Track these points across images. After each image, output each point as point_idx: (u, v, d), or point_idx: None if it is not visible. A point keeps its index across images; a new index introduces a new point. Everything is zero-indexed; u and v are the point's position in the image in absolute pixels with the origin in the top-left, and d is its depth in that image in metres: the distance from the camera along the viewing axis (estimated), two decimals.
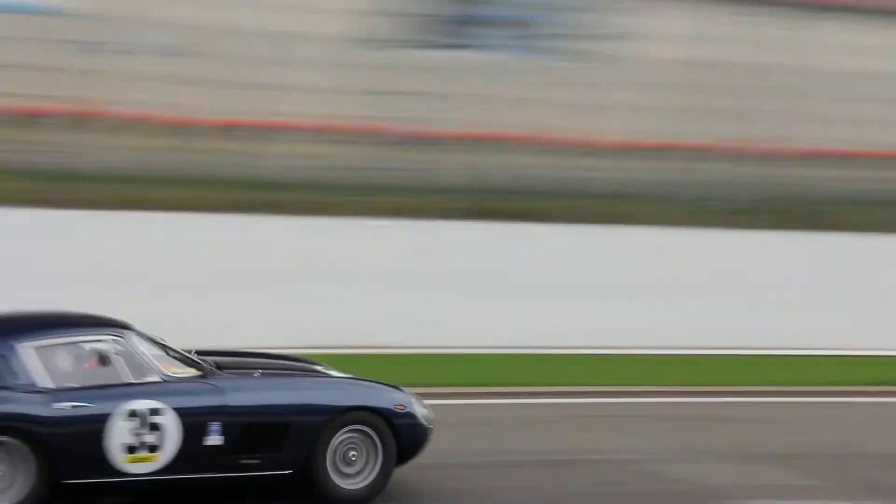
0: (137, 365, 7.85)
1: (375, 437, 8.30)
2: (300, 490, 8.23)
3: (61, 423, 7.53)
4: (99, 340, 7.87)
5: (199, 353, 8.46)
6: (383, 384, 8.56)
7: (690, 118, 26.69)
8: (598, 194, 25.42)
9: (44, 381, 7.61)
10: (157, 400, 7.74)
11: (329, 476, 8.19)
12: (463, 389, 12.65)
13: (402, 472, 8.61)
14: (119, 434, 7.65)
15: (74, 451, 7.56)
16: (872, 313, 18.82)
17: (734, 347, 15.95)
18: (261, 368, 8.62)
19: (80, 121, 23.07)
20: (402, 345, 14.49)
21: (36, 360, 7.64)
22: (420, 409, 8.52)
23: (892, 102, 27.63)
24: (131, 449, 7.69)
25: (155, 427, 7.72)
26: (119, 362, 7.81)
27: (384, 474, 8.33)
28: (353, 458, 8.27)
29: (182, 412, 7.79)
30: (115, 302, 9.92)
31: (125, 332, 7.95)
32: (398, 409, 8.39)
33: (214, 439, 7.90)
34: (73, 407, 7.57)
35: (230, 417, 7.92)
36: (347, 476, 8.26)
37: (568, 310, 17.43)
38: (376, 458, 8.33)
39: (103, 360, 7.79)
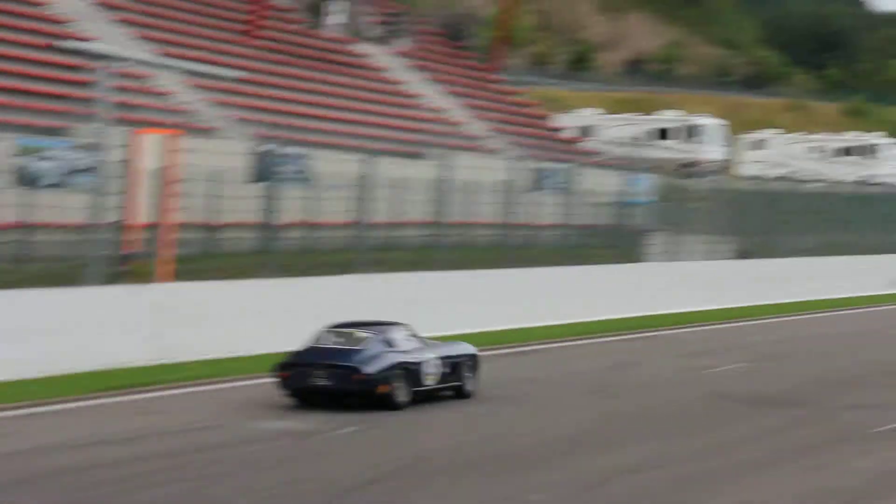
0: (419, 338, 17.18)
1: (475, 366, 17.75)
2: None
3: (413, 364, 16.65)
4: (405, 328, 17.16)
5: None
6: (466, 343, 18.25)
7: None
8: None
9: (406, 345, 16.77)
10: (432, 352, 17.00)
11: (467, 384, 17.45)
12: None
13: None
14: (426, 368, 16.75)
15: (413, 376, 16.58)
16: None
17: None
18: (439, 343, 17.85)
19: None
20: None
21: (402, 336, 16.89)
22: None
23: None
24: (427, 376, 16.76)
25: (434, 365, 16.87)
26: (415, 338, 17.09)
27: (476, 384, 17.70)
28: (470, 377, 17.61)
29: (440, 358, 17.02)
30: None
31: (409, 326, 17.29)
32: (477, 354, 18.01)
33: (446, 370, 17.07)
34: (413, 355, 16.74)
35: (447, 360, 17.14)
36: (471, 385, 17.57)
37: None
38: (476, 376, 17.69)
39: (411, 337, 17.08)
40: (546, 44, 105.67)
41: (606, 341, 24.32)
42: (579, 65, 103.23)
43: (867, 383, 20.15)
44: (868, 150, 74.51)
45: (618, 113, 75.01)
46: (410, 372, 16.53)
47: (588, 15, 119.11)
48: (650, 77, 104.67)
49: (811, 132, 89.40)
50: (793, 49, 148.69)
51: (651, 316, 27.64)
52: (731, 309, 30.01)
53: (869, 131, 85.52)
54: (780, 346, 24.46)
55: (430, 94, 42.61)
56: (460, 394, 17.38)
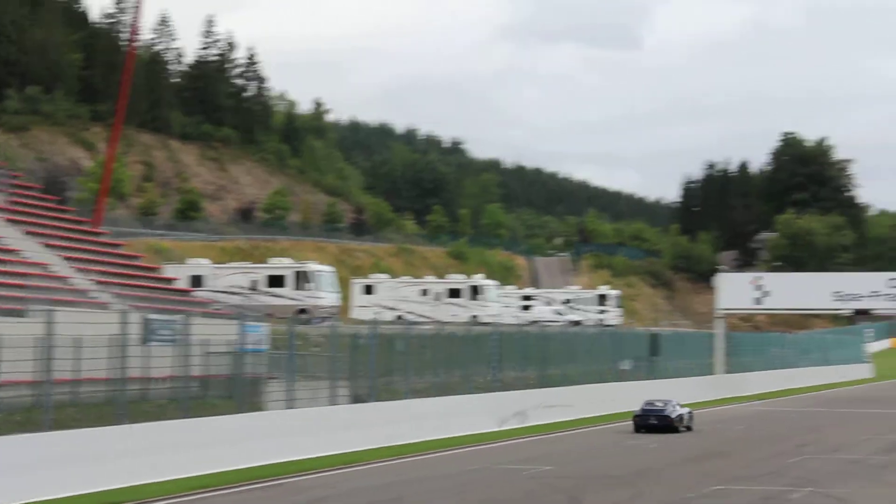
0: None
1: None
2: None
3: None
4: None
5: None
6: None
7: None
8: None
9: None
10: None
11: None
12: None
13: None
14: None
15: None
16: None
17: None
18: None
19: None
20: None
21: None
22: None
23: None
24: None
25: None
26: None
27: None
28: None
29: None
30: None
31: None
32: None
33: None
34: None
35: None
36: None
37: None
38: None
39: None
40: (152, 194, 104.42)
41: (223, 494, 23.59)
42: (186, 215, 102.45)
43: None
44: (472, 292, 77.35)
45: (228, 262, 74.72)
46: None
47: (193, 165, 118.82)
48: (259, 226, 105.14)
49: (419, 276, 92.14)
50: (397, 195, 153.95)
51: (271, 465, 27.21)
52: (351, 453, 30.00)
53: (471, 273, 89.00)
54: (395, 489, 24.45)
55: (30, 249, 40.92)
56: None
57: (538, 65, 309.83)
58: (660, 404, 39.71)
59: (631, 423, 39.16)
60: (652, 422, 38.90)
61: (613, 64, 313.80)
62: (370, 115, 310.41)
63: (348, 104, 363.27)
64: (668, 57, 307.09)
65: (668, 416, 39.01)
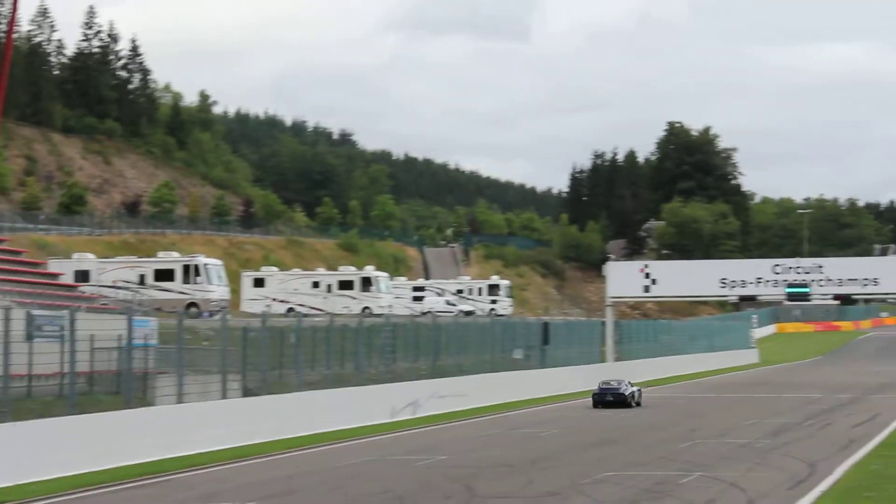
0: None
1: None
2: None
3: None
4: None
5: None
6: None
7: None
8: None
9: None
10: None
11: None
12: None
13: None
14: None
15: None
16: None
17: None
18: None
19: None
20: None
21: None
22: None
23: None
24: None
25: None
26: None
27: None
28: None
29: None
30: None
31: None
32: None
33: None
34: None
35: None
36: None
37: None
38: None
39: None
40: (34, 189, 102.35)
41: (112, 491, 23.16)
42: (71, 209, 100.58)
43: None
44: (364, 284, 77.15)
45: (115, 256, 73.57)
46: None
47: (76, 159, 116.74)
48: (146, 219, 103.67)
49: (309, 268, 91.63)
50: (286, 188, 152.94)
51: (162, 460, 26.80)
52: (243, 447, 29.69)
53: (362, 265, 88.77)
54: (288, 482, 24.22)
55: None
56: None
57: (427, 55, 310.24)
58: (614, 383, 45.46)
59: (516, 413, 39.39)
60: (608, 398, 44.43)
61: (502, 54, 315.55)
62: (258, 107, 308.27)
63: (236, 96, 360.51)
64: (557, 47, 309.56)
65: (622, 394, 44.65)
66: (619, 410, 43.51)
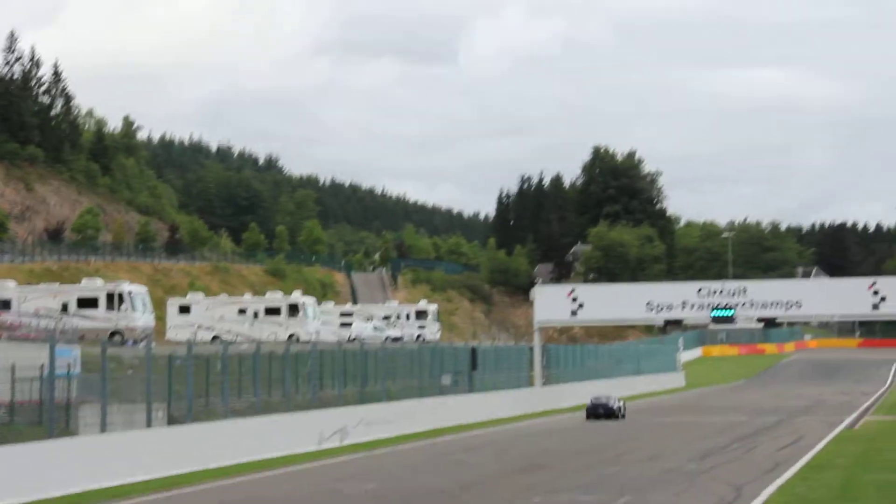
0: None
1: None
2: None
3: None
4: None
5: None
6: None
7: None
8: None
9: None
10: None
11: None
12: None
13: None
14: None
15: None
16: None
17: None
18: None
19: None
20: None
21: None
22: None
23: None
24: None
25: None
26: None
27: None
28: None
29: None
30: None
31: None
32: None
33: None
34: None
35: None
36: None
37: None
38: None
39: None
40: None
41: None
42: None
43: None
44: (291, 310, 76.66)
45: (37, 284, 72.46)
46: None
47: None
48: (69, 246, 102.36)
49: (236, 294, 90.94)
50: (211, 213, 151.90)
51: (85, 492, 26.35)
52: (168, 477, 29.28)
53: (290, 291, 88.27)
54: None
55: None
56: None
57: (355, 80, 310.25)
58: (604, 399, 54.31)
59: (445, 439, 39.36)
60: (600, 411, 52.99)
61: (430, 79, 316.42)
62: (185, 131, 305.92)
63: (162, 121, 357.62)
64: (484, 72, 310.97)
65: (611, 407, 53.19)
66: (546, 437, 43.58)
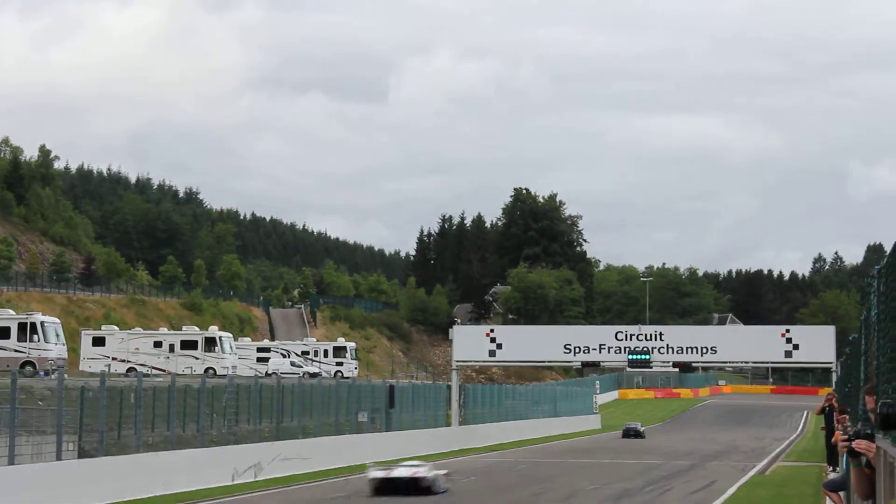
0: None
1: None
2: None
3: None
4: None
5: None
6: None
7: None
8: None
9: None
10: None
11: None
12: None
13: None
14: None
15: None
16: None
17: None
18: None
19: None
20: None
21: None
22: None
23: None
24: None
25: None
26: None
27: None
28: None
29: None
30: None
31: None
32: None
33: None
34: None
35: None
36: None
37: None
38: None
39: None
40: None
41: None
42: None
43: None
44: (208, 343, 76.02)
45: None
46: None
47: None
48: None
49: (152, 327, 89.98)
50: (128, 245, 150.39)
51: None
52: None
53: (207, 325, 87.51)
54: None
55: None
56: None
57: (283, 116, 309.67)
58: (633, 425, 76.23)
59: (361, 476, 39.04)
60: (632, 434, 74.27)
61: (359, 117, 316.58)
62: (108, 163, 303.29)
63: (83, 153, 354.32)
64: (413, 111, 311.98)
65: (640, 431, 75.17)
66: (461, 477, 43.53)
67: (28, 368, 59.09)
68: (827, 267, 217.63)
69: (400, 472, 35.33)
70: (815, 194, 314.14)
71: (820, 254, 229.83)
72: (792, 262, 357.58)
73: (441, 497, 34.11)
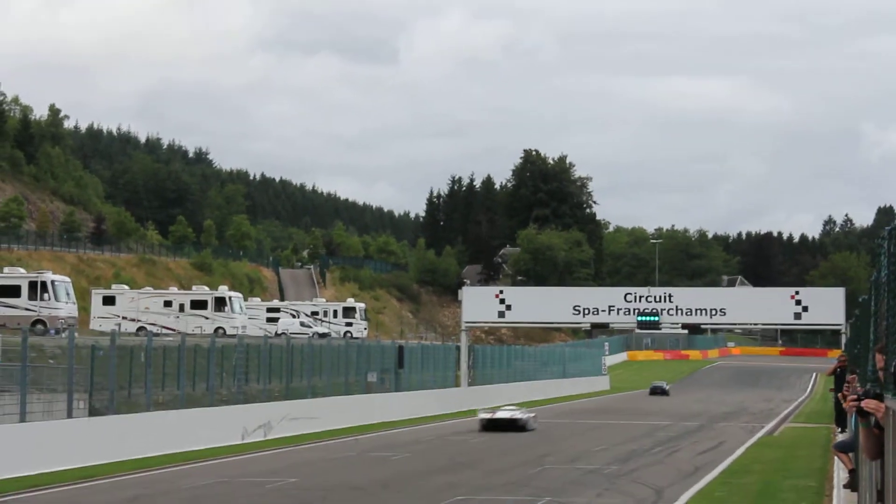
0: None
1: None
2: None
3: None
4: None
5: None
6: None
7: None
8: None
9: None
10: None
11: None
12: None
13: None
14: None
15: None
16: None
17: None
18: None
19: None
20: None
21: None
22: None
23: None
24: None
25: None
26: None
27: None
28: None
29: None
30: None
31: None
32: None
33: None
34: None
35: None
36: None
37: None
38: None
39: None
40: None
41: None
42: None
43: None
44: (217, 303, 76.16)
45: None
46: None
47: None
48: None
49: (162, 287, 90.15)
50: (139, 205, 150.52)
51: (1, 480, 25.98)
52: (88, 467, 28.97)
53: (216, 285, 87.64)
54: (131, 503, 23.65)
55: None
56: None
57: (293, 77, 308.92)
58: (660, 383, 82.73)
59: (369, 436, 39.39)
60: (658, 391, 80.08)
61: (369, 78, 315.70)
62: (118, 122, 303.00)
63: (95, 113, 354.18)
64: (423, 72, 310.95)
65: (665, 388, 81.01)
66: (470, 437, 43.68)
67: (39, 327, 59.28)
68: (837, 229, 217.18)
69: (502, 414, 45.70)
70: (826, 157, 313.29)
71: (830, 216, 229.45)
72: (803, 224, 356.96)
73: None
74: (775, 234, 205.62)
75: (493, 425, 44.40)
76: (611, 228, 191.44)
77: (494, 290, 70.23)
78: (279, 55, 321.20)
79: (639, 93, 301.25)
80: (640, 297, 62.56)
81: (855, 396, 9.64)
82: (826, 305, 60.98)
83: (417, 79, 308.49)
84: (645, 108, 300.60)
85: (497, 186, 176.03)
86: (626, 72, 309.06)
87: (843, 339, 53.03)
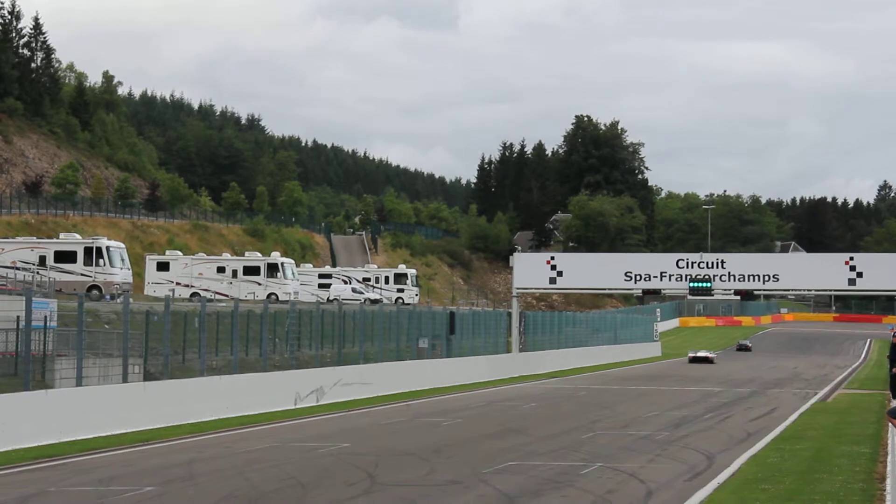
0: None
1: None
2: None
3: None
4: None
5: None
6: None
7: None
8: None
9: None
10: None
11: None
12: None
13: None
14: None
15: None
16: None
17: None
18: None
19: None
20: None
21: None
22: None
23: None
24: None
25: None
26: None
27: None
28: None
29: None
30: None
31: None
32: None
33: None
34: None
35: None
36: None
37: None
38: None
39: None
40: None
41: (6, 474, 22.68)
42: None
43: (284, 498, 20.12)
44: (270, 270, 76.61)
45: (15, 237, 72.19)
46: None
47: None
48: (48, 200, 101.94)
49: (215, 253, 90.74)
50: (192, 172, 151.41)
51: (59, 443, 26.35)
52: (143, 431, 29.31)
53: (269, 251, 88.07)
54: (188, 467, 23.92)
55: None
56: None
57: (351, 43, 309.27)
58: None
59: (421, 401, 39.50)
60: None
61: (427, 43, 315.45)
62: (175, 90, 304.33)
63: (148, 79, 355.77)
64: (482, 38, 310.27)
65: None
66: (521, 403, 43.76)
67: (94, 292, 59.92)
68: (893, 194, 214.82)
69: (702, 353, 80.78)
70: (886, 120, 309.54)
71: (885, 181, 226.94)
72: (862, 189, 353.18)
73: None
74: (830, 199, 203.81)
75: (696, 360, 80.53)
76: (663, 194, 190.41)
77: (546, 256, 70.14)
78: (339, 21, 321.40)
79: (696, 57, 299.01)
80: (693, 263, 62.31)
81: None
82: (881, 271, 60.49)
83: (475, 44, 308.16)
84: (701, 72, 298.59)
85: (549, 152, 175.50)
86: (683, 36, 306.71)
87: None
